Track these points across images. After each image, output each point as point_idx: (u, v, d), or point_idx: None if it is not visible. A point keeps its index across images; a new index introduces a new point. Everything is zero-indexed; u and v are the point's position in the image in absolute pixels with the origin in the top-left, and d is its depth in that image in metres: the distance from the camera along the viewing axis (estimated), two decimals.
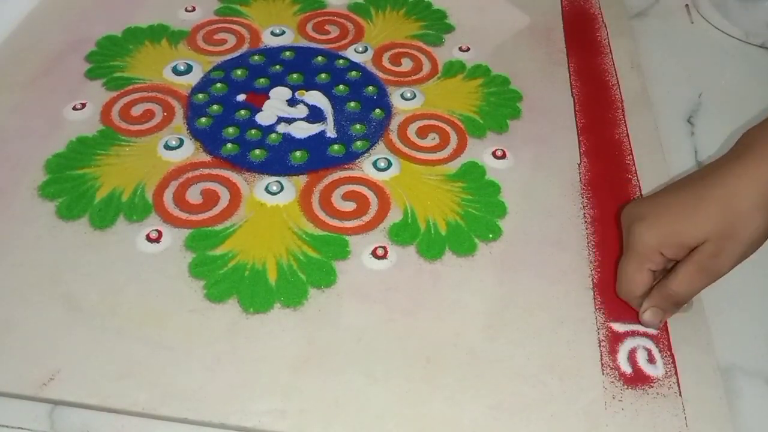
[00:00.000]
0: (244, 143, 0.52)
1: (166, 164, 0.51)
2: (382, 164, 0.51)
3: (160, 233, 0.46)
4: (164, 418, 0.37)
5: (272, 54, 0.61)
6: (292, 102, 0.56)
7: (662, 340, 0.43)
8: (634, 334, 0.43)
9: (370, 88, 0.58)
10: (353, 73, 0.60)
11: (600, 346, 0.42)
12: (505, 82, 0.60)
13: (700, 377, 0.41)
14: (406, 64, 0.61)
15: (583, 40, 0.66)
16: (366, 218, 0.48)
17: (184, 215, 0.47)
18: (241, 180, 0.50)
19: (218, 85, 0.57)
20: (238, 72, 0.58)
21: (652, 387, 0.40)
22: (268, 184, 0.49)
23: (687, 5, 0.71)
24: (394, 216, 0.48)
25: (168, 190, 0.49)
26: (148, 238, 0.45)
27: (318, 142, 0.53)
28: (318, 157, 0.52)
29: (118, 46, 0.60)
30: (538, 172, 0.53)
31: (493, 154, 0.53)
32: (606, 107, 0.58)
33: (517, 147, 0.54)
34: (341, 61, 0.61)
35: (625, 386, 0.40)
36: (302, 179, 0.50)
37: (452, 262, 0.46)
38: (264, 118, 0.55)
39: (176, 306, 0.42)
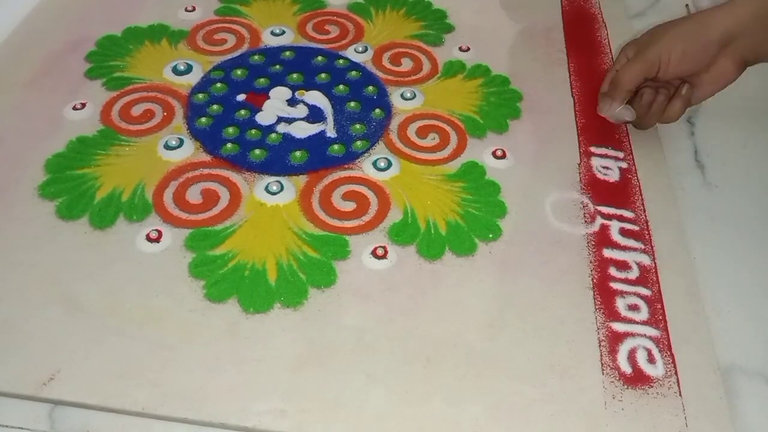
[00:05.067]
0: (244, 143, 0.52)
1: (166, 164, 0.51)
2: (382, 164, 0.51)
3: (160, 233, 0.46)
4: (164, 418, 0.37)
5: (272, 54, 0.61)
6: (292, 102, 0.56)
7: (662, 340, 0.43)
8: (634, 334, 0.43)
9: (370, 88, 0.58)
10: (353, 73, 0.60)
11: (600, 346, 0.42)
12: (505, 82, 0.60)
13: (700, 377, 0.41)
14: (406, 64, 0.61)
15: (583, 40, 0.66)
16: (366, 218, 0.48)
17: (184, 215, 0.47)
18: (241, 180, 0.50)
19: (218, 84, 0.57)
20: (238, 72, 0.59)
21: (652, 387, 0.40)
22: (268, 184, 0.49)
23: (687, 5, 0.71)
24: (394, 216, 0.48)
25: (168, 190, 0.49)
26: (148, 238, 0.45)
27: (318, 142, 0.53)
28: (318, 157, 0.52)
29: (118, 46, 0.60)
30: (538, 172, 0.53)
31: (493, 154, 0.53)
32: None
33: (517, 147, 0.54)
34: (341, 61, 0.61)
35: (625, 386, 0.40)
36: (302, 179, 0.50)
37: (452, 262, 0.46)
38: (264, 118, 0.55)
39: (176, 306, 0.42)
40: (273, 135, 0.53)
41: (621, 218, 0.49)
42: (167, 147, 0.51)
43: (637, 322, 0.43)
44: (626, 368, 0.41)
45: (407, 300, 0.44)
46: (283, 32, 0.63)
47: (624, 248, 0.48)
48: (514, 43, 0.65)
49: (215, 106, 0.55)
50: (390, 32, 0.64)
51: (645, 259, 0.47)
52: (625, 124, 0.56)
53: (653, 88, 0.52)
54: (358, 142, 0.53)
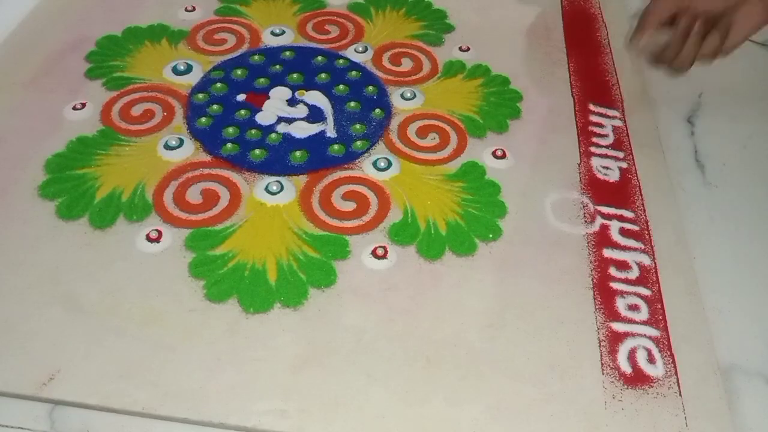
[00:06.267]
0: (244, 143, 0.52)
1: (166, 164, 0.51)
2: (382, 164, 0.51)
3: (160, 233, 0.46)
4: (164, 418, 0.37)
5: (272, 54, 0.61)
6: (292, 102, 0.56)
7: (662, 340, 0.43)
8: (634, 334, 0.43)
9: (370, 87, 0.58)
10: (353, 72, 0.60)
11: (600, 346, 0.42)
12: (505, 82, 0.60)
13: (700, 377, 0.41)
14: (406, 64, 0.61)
15: (583, 40, 0.66)
16: (366, 218, 0.48)
17: (184, 215, 0.47)
18: (241, 180, 0.50)
19: (218, 84, 0.57)
20: (238, 72, 0.58)
21: (652, 387, 0.40)
22: (268, 184, 0.49)
23: None
24: (394, 216, 0.48)
25: (168, 190, 0.49)
26: (148, 238, 0.45)
27: (318, 142, 0.53)
28: (318, 157, 0.52)
29: (118, 45, 0.60)
30: (538, 172, 0.53)
31: (493, 154, 0.53)
32: (606, 107, 0.58)
33: (517, 147, 0.54)
34: (341, 61, 0.61)
35: (625, 386, 0.40)
36: (302, 179, 0.50)
37: (452, 262, 0.46)
38: (264, 118, 0.55)
39: (176, 306, 0.42)
40: (273, 135, 0.53)
41: (621, 218, 0.49)
42: (167, 147, 0.51)
43: (637, 322, 0.43)
44: (626, 368, 0.41)
45: (407, 300, 0.44)
46: (283, 32, 0.63)
47: (624, 248, 0.48)
48: (514, 43, 0.65)
49: (215, 106, 0.55)
50: (390, 32, 0.64)
51: (645, 259, 0.47)
52: (659, 66, 0.54)
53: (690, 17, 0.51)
54: (358, 142, 0.53)
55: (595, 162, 0.53)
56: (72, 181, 0.49)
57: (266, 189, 0.49)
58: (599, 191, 0.51)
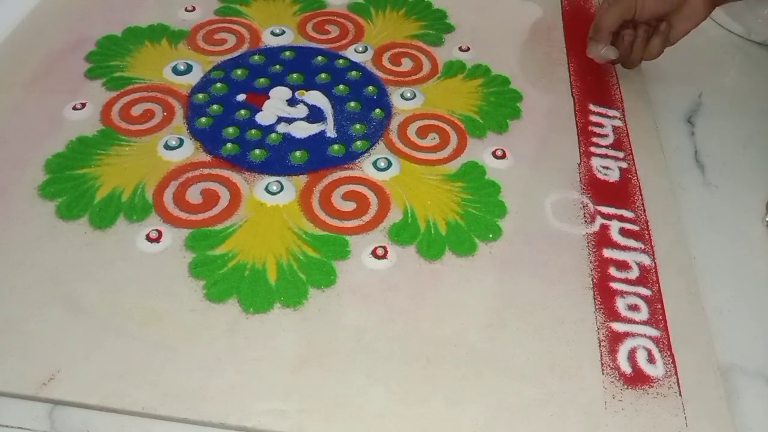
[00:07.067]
0: (244, 143, 0.52)
1: (166, 164, 0.51)
2: (382, 164, 0.51)
3: (160, 233, 0.46)
4: (164, 418, 0.37)
5: (272, 54, 0.61)
6: (292, 102, 0.56)
7: (662, 340, 0.43)
8: (634, 334, 0.43)
9: (370, 87, 0.58)
10: (353, 72, 0.60)
11: (600, 346, 0.42)
12: (505, 82, 0.60)
13: (700, 377, 0.41)
14: (406, 64, 0.61)
15: (583, 40, 0.65)
16: (366, 218, 0.48)
17: (184, 215, 0.47)
18: (241, 180, 0.50)
19: (218, 84, 0.57)
20: (238, 72, 0.58)
21: (652, 387, 0.40)
22: (268, 183, 0.49)
23: None
24: (394, 216, 0.48)
25: (168, 190, 0.49)
26: (148, 238, 0.45)
27: (318, 142, 0.53)
28: (318, 157, 0.52)
29: (118, 45, 0.60)
30: (538, 172, 0.53)
31: (493, 154, 0.53)
32: (606, 107, 0.58)
33: (517, 147, 0.54)
34: (341, 61, 0.61)
35: (625, 386, 0.40)
36: (302, 179, 0.50)
37: (452, 262, 0.46)
38: (264, 117, 0.55)
39: (176, 306, 0.42)
40: (273, 135, 0.53)
41: (621, 218, 0.50)
42: (167, 147, 0.51)
43: (637, 322, 0.43)
44: (626, 368, 0.41)
45: (407, 300, 0.44)
46: (283, 32, 0.63)
47: (624, 248, 0.48)
48: (514, 43, 0.65)
49: (215, 106, 0.55)
50: (390, 32, 0.64)
51: (645, 259, 0.47)
52: (612, 63, 0.61)
53: (633, 29, 0.57)
54: (358, 142, 0.53)
55: (595, 162, 0.54)
56: (72, 181, 0.49)
57: (266, 189, 0.49)
58: (599, 191, 0.51)
